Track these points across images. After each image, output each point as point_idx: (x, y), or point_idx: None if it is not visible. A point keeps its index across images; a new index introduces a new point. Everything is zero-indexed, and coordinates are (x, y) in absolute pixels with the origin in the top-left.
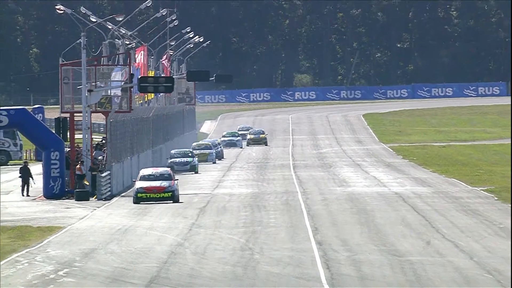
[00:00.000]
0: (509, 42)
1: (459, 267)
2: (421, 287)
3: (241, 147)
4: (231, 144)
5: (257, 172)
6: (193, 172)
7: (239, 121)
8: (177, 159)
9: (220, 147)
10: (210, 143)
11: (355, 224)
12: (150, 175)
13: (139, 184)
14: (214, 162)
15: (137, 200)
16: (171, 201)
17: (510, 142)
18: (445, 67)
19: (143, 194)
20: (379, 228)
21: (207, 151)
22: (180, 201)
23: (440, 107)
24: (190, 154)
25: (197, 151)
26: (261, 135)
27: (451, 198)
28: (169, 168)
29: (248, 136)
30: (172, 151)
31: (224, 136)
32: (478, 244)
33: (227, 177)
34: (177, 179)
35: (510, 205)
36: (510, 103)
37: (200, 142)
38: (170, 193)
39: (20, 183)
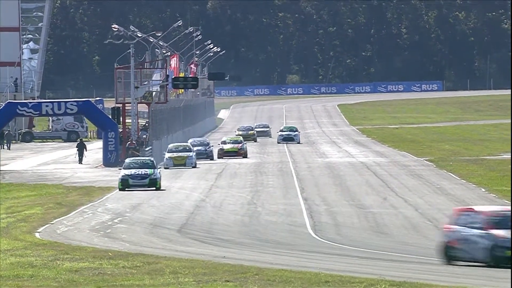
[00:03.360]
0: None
1: (407, 217)
2: (380, 231)
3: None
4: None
5: (259, 147)
6: (153, 188)
7: (246, 110)
8: (133, 171)
9: (211, 147)
10: (189, 144)
11: (331, 185)
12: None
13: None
14: (194, 166)
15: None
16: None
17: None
18: (397, 70)
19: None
20: (349, 188)
21: (184, 154)
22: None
23: (394, 99)
24: (149, 163)
25: (174, 153)
26: (249, 132)
27: (402, 166)
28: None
29: (236, 132)
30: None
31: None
32: (421, 199)
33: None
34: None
35: (448, 173)
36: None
37: (179, 144)
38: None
39: (77, 154)
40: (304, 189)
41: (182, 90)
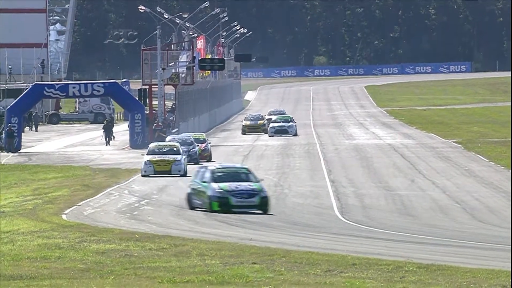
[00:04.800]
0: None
1: (435, 199)
2: (407, 213)
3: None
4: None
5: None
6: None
7: (273, 91)
8: (157, 157)
9: (195, 147)
10: (177, 144)
11: (358, 167)
12: None
13: None
14: (183, 174)
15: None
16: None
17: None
18: (425, 51)
19: None
20: (376, 170)
21: (170, 158)
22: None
23: (421, 80)
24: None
25: (156, 156)
26: (259, 121)
27: (430, 148)
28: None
29: (244, 123)
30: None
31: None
32: (449, 181)
33: None
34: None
35: (476, 154)
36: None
37: (164, 143)
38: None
39: (104, 136)
40: (331, 171)
41: (209, 71)
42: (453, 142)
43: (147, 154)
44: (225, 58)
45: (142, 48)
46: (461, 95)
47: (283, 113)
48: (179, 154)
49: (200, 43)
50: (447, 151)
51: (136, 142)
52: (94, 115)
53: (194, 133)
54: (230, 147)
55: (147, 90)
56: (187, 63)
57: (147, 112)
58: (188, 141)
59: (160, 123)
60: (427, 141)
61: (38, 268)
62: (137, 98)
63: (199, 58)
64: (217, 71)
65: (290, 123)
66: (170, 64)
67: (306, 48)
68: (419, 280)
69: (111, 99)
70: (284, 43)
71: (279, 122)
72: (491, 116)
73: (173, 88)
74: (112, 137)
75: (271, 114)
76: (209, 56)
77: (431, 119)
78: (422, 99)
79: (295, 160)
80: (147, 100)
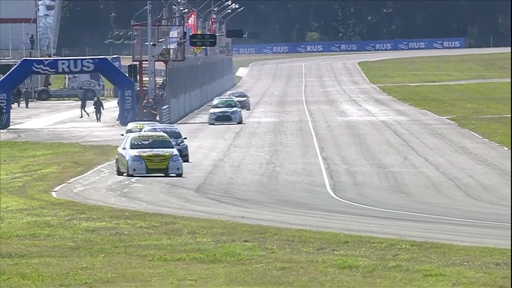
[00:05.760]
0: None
1: (428, 176)
2: (400, 190)
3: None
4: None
5: (278, 106)
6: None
7: (265, 68)
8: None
9: (183, 140)
10: (173, 130)
11: (351, 144)
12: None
13: None
14: (180, 174)
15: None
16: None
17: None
18: (419, 27)
19: None
20: (369, 147)
21: (166, 152)
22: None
23: (415, 56)
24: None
25: (146, 151)
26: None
27: (423, 124)
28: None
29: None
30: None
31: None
32: (442, 158)
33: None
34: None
35: (470, 131)
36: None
37: (150, 133)
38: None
39: (95, 112)
40: (324, 148)
41: (200, 47)
42: (447, 118)
43: (132, 148)
44: (216, 34)
45: (132, 23)
46: (455, 71)
47: (244, 95)
48: (172, 147)
49: (191, 19)
50: (441, 127)
51: (126, 119)
52: (84, 91)
53: (162, 125)
54: (221, 125)
55: (138, 66)
56: (178, 39)
57: (138, 88)
58: (174, 131)
59: (150, 100)
60: (421, 118)
61: (27, 246)
62: (127, 75)
63: (190, 34)
64: (209, 47)
65: (234, 109)
66: (161, 40)
67: (298, 24)
68: (412, 258)
69: (101, 75)
70: (276, 19)
71: (221, 107)
72: (485, 92)
73: (164, 64)
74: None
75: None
76: (200, 32)
77: (425, 96)
78: (416, 75)
79: (287, 138)
80: (138, 76)
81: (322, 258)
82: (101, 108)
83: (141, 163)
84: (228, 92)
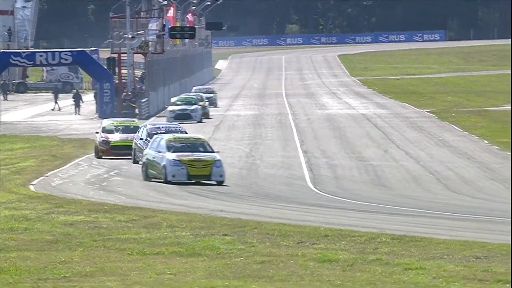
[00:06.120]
0: None
1: (408, 169)
2: (380, 184)
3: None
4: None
5: (258, 99)
6: None
7: (245, 60)
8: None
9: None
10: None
11: (331, 137)
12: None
13: None
14: (223, 181)
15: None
16: None
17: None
18: (399, 19)
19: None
20: (349, 141)
21: (208, 157)
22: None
23: (395, 49)
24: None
25: (187, 154)
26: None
27: (403, 117)
28: None
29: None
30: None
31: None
32: (423, 152)
33: (235, 102)
34: None
35: (450, 124)
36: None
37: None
38: None
39: (74, 105)
40: (304, 141)
41: (179, 40)
42: (427, 111)
43: (171, 151)
44: (196, 26)
45: (110, 16)
46: (435, 64)
47: (211, 91)
48: (212, 151)
49: (170, 11)
50: (421, 120)
51: (105, 112)
52: (62, 84)
53: (118, 120)
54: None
55: (116, 58)
56: (157, 31)
57: (116, 81)
58: (179, 131)
59: (129, 93)
60: (401, 111)
61: (5, 239)
62: (105, 67)
63: (169, 26)
64: (188, 40)
65: (194, 106)
66: (140, 33)
67: (278, 17)
68: (392, 252)
69: (79, 68)
70: (256, 11)
71: (181, 104)
72: (465, 85)
73: (143, 57)
74: (81, 106)
75: (198, 93)
76: (179, 24)
77: (405, 89)
78: (396, 68)
79: (267, 131)
80: (116, 69)
81: (302, 251)
82: (80, 101)
83: (182, 168)
84: (195, 88)
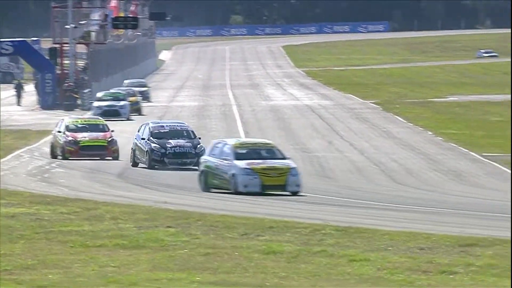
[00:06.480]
0: None
1: (353, 160)
2: (325, 175)
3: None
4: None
5: (202, 90)
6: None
7: (189, 51)
8: None
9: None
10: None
11: (276, 128)
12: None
13: None
14: (297, 192)
15: None
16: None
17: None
18: (343, 10)
19: None
20: (293, 132)
21: (282, 164)
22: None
23: (339, 40)
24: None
25: (259, 162)
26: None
27: (348, 109)
28: None
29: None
30: None
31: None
32: (367, 143)
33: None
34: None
35: (394, 116)
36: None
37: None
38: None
39: (16, 96)
40: (248, 133)
41: (123, 30)
42: (371, 103)
43: (239, 159)
44: (139, 17)
45: (52, 5)
46: (379, 55)
47: (144, 85)
48: (285, 157)
49: (113, 1)
50: (365, 112)
51: (47, 103)
52: (2, 75)
53: (85, 117)
54: (144, 108)
55: (58, 49)
56: (100, 21)
57: (58, 72)
58: (185, 129)
59: (71, 83)
60: (345, 102)
61: None
62: (47, 57)
63: (112, 16)
64: (131, 30)
65: (123, 103)
66: (82, 22)
67: (222, 7)
68: (337, 243)
69: (21, 58)
70: (200, 2)
71: (108, 100)
72: (409, 76)
73: (85, 47)
74: (23, 96)
75: (130, 87)
76: (122, 14)
77: (349, 80)
78: (340, 59)
79: (212, 122)
80: (58, 59)
81: (247, 243)
82: (21, 91)
83: (255, 178)
84: (127, 81)
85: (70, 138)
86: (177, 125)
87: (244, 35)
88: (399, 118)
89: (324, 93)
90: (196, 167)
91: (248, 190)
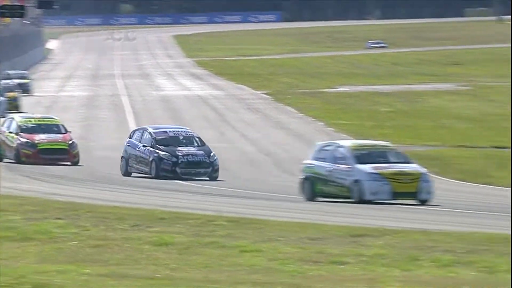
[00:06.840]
0: None
1: (245, 151)
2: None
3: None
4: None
5: (91, 80)
6: None
7: (77, 40)
8: None
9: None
10: None
11: (167, 119)
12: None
13: None
14: (427, 200)
15: None
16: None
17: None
18: (234, 0)
19: None
20: (185, 122)
21: (412, 169)
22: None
23: (231, 30)
24: None
25: (386, 166)
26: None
27: (240, 99)
28: None
29: None
30: None
31: None
32: (259, 133)
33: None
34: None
35: (286, 106)
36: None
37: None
38: None
39: None
40: (139, 123)
41: (9, 19)
42: (263, 93)
43: (362, 163)
44: (26, 5)
45: None
46: (271, 46)
47: (25, 76)
48: (409, 160)
49: None
50: (257, 102)
51: None
52: None
53: (38, 116)
54: (31, 97)
55: None
56: None
57: None
58: (190, 135)
59: None
60: (237, 93)
61: None
62: None
63: None
64: (18, 18)
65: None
66: None
67: None
68: (228, 234)
69: None
70: None
71: None
72: (301, 67)
73: None
74: None
75: (8, 79)
76: (8, 2)
77: (241, 70)
78: (232, 50)
79: (102, 112)
80: None
81: (137, 235)
82: None
83: (385, 184)
84: (5, 72)
85: (25, 140)
86: (182, 131)
87: (134, 24)
88: (291, 109)
89: (215, 83)
90: (207, 178)
91: (377, 198)
